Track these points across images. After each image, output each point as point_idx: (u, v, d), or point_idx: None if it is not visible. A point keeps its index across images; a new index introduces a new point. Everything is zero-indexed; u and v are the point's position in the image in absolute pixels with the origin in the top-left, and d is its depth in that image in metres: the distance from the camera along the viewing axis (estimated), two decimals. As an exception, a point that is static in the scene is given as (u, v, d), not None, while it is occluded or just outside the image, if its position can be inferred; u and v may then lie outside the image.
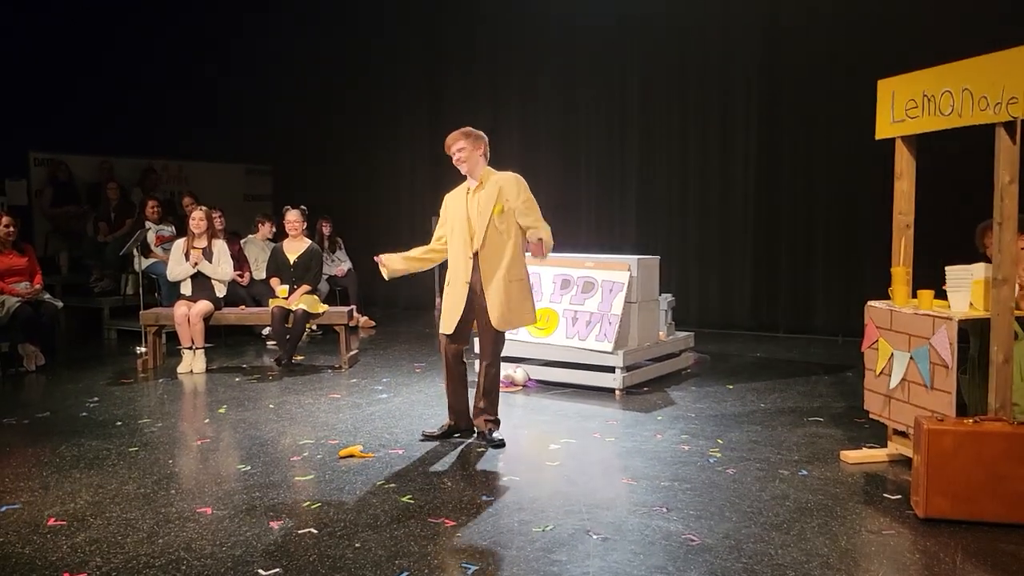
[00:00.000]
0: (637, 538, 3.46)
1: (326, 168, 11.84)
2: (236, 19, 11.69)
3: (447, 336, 4.90)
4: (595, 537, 3.47)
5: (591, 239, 9.73)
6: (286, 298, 7.25)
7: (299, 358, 7.57)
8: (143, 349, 7.41)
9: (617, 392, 6.14)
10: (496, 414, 4.96)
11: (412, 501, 3.92)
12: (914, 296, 4.48)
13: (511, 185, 4.79)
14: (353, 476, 4.30)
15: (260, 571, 3.15)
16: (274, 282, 7.45)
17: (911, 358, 4.22)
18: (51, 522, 3.67)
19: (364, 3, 11.41)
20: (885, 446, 4.60)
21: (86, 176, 10.28)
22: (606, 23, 9.73)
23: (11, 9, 10.52)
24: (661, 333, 6.90)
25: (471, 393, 5.09)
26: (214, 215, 8.37)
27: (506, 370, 6.46)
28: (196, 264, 7.29)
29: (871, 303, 4.65)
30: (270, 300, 7.41)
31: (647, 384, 6.50)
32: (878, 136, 4.73)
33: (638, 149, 9.82)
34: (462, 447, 4.85)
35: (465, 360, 5.04)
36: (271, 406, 5.88)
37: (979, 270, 4.14)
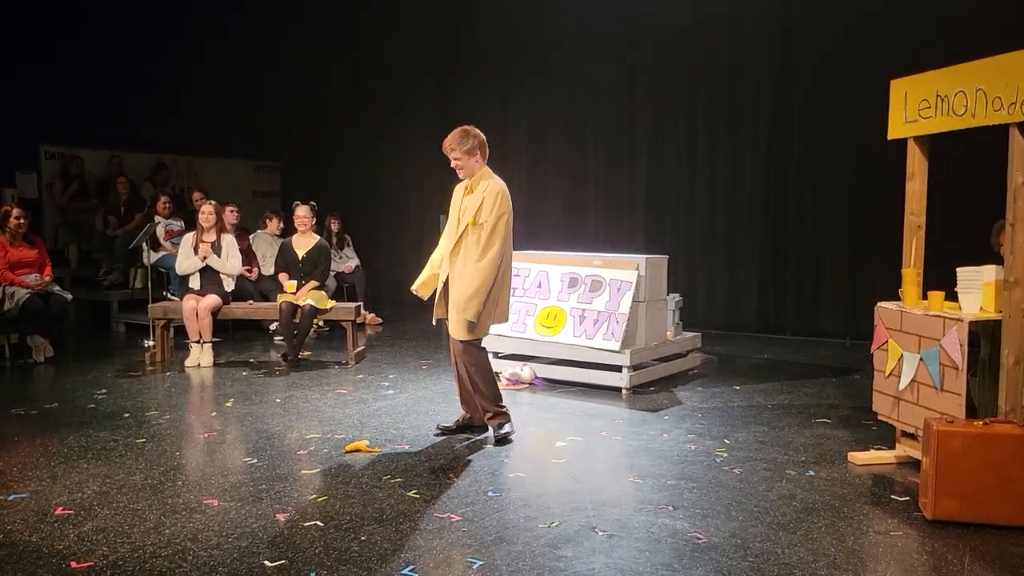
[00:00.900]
0: (643, 535, 3.45)
1: (334, 166, 11.88)
2: (248, 16, 11.73)
3: (449, 335, 4.91)
4: (601, 534, 3.47)
5: (599, 237, 9.72)
6: (294, 293, 7.27)
7: (306, 353, 7.58)
8: (151, 342, 7.43)
9: (624, 391, 6.13)
10: (495, 408, 4.91)
11: (418, 496, 3.91)
12: (924, 298, 4.46)
13: (488, 199, 4.73)
14: (359, 470, 4.30)
15: (266, 562, 3.16)
16: (282, 277, 7.47)
17: (921, 360, 4.20)
18: (59, 511, 3.68)
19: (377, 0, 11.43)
20: (893, 448, 4.58)
21: (96, 170, 10.32)
22: (616, 22, 9.71)
23: (23, 4, 10.57)
24: (668, 333, 6.88)
25: None
26: (230, 210, 8.41)
27: (513, 368, 6.48)
28: (205, 258, 7.31)
29: (881, 304, 4.63)
30: (278, 295, 7.42)
31: (654, 383, 6.49)
32: (891, 136, 4.71)
33: (648, 148, 9.81)
34: (469, 443, 4.84)
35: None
36: (278, 400, 5.89)
37: (989, 272, 4.11)
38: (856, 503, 3.89)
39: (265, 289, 8.41)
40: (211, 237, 7.42)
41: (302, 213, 7.61)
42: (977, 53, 4.07)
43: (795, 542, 3.41)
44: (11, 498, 3.85)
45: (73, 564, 3.14)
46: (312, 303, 7.18)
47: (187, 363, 7.09)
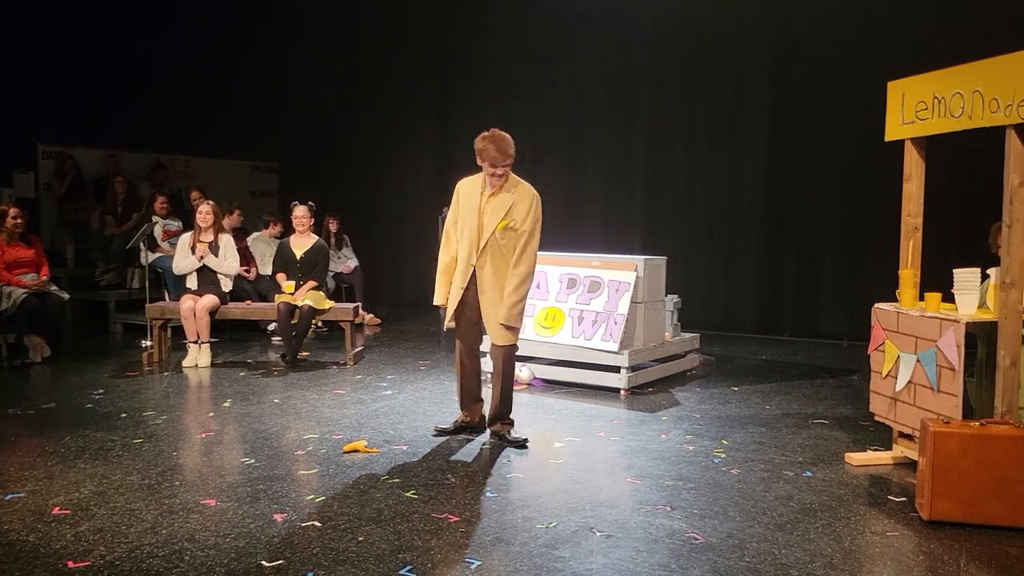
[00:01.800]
0: (641, 536, 3.46)
1: (332, 166, 11.86)
2: (245, 16, 11.72)
3: (457, 337, 4.90)
4: (599, 534, 3.47)
5: (598, 238, 9.72)
6: (292, 293, 7.26)
7: (304, 354, 7.58)
8: (148, 342, 7.42)
9: (622, 392, 6.13)
10: (509, 416, 4.95)
11: (416, 496, 3.91)
12: (921, 299, 4.47)
13: (524, 204, 4.65)
14: (357, 471, 4.30)
15: (263, 563, 3.15)
16: (280, 277, 7.46)
17: (918, 360, 4.21)
18: (55, 511, 3.68)
19: (373, 1, 11.43)
20: (890, 449, 4.59)
21: (93, 170, 10.30)
22: (616, 24, 9.73)
23: (21, 2, 10.55)
24: (667, 334, 6.89)
25: (486, 392, 5.09)
26: (233, 214, 8.41)
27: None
28: (202, 258, 7.30)
29: (878, 305, 4.64)
30: (276, 296, 7.41)
31: (652, 384, 6.49)
32: (888, 138, 4.72)
33: (646, 149, 9.82)
34: (467, 444, 4.84)
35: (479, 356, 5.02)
36: (276, 401, 5.88)
37: (996, 274, 4.12)
38: (853, 504, 3.89)
39: (263, 290, 8.40)
40: (208, 237, 7.41)
41: (300, 213, 7.60)
42: (974, 55, 4.08)
43: (792, 542, 3.41)
44: (8, 498, 3.84)
45: (70, 564, 3.14)
46: (310, 303, 7.18)
47: (185, 363, 7.08)
